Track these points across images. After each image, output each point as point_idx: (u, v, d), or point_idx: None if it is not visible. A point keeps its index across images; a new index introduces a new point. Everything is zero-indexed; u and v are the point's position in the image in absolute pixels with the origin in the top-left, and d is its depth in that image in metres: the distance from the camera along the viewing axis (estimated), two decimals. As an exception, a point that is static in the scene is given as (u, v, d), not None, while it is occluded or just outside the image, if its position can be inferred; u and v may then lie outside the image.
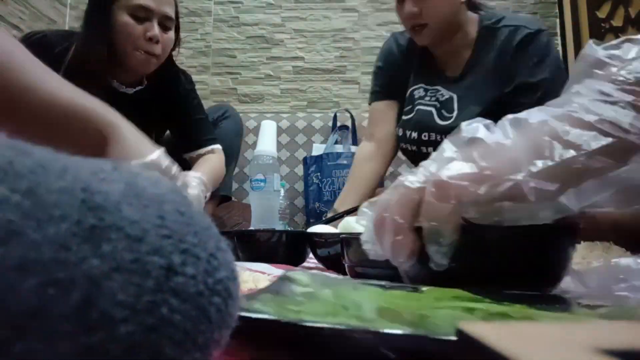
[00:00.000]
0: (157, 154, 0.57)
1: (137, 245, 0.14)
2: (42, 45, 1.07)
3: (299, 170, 2.06)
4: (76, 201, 0.14)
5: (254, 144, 1.86)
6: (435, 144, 1.17)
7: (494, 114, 1.17)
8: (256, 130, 1.97)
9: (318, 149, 2.01)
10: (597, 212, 0.88)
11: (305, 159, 1.99)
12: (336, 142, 1.97)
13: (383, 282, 0.35)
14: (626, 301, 0.35)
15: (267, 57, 2.46)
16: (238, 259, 0.71)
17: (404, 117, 1.23)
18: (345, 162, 1.84)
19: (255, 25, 2.48)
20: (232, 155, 1.54)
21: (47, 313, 0.12)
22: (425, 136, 1.18)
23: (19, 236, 0.12)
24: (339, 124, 2.07)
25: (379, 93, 1.32)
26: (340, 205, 1.21)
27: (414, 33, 1.13)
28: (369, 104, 1.37)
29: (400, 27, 1.24)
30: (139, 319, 0.13)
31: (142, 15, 1.08)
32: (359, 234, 0.50)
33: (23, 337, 0.12)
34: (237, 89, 2.46)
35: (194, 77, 2.46)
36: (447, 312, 0.26)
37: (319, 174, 1.87)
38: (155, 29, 1.09)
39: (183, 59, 2.47)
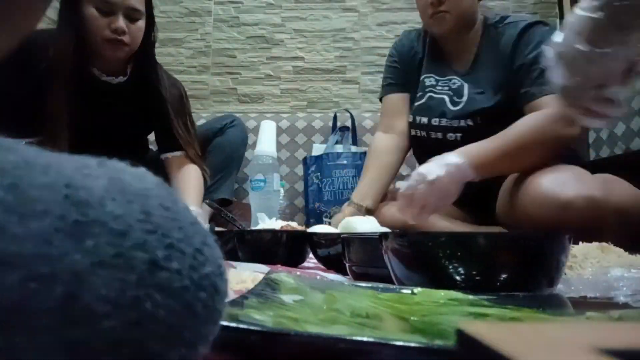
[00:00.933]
0: None
1: (121, 240, 0.14)
2: (28, 45, 1.13)
3: (299, 170, 2.06)
4: (59, 196, 0.14)
5: (254, 144, 1.86)
6: (444, 130, 1.21)
7: (500, 101, 1.15)
8: (256, 131, 1.97)
9: (318, 149, 2.01)
10: (603, 199, 0.87)
11: (305, 159, 1.98)
12: (336, 142, 1.97)
13: (374, 284, 0.35)
14: (627, 306, 0.35)
15: (267, 57, 2.46)
16: (238, 259, 0.71)
17: (416, 104, 1.27)
18: (345, 162, 1.84)
19: (255, 25, 2.48)
20: (235, 162, 1.58)
21: (29, 308, 0.12)
22: (435, 121, 1.22)
23: (0, 231, 0.12)
24: (339, 124, 2.07)
25: (393, 85, 1.35)
26: (361, 198, 1.23)
27: (433, 21, 1.19)
28: (382, 96, 1.40)
29: (398, 28, 1.26)
30: (122, 313, 0.13)
31: (106, 8, 1.14)
32: (361, 234, 0.50)
33: (5, 331, 0.12)
34: (237, 89, 2.46)
35: (194, 77, 2.47)
36: (457, 319, 0.25)
37: (319, 174, 1.87)
38: (120, 22, 1.15)
39: (183, 59, 2.47)
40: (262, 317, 0.24)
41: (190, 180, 1.30)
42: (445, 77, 1.25)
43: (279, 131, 2.08)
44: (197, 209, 1.20)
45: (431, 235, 0.39)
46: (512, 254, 0.37)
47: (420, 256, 0.39)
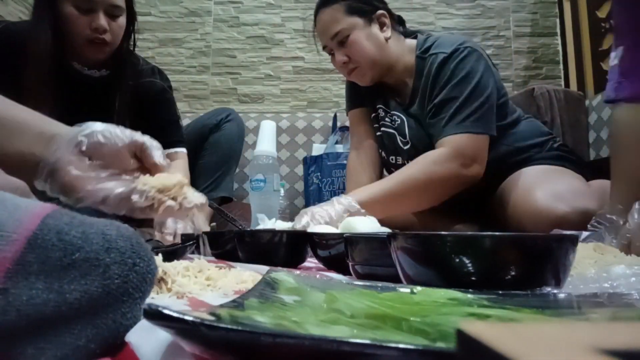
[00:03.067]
0: None
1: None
2: (3, 34, 1.12)
3: (299, 170, 2.06)
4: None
5: (254, 144, 1.86)
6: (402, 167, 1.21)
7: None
8: (256, 130, 1.97)
9: (318, 149, 2.01)
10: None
11: (305, 158, 1.99)
12: (336, 142, 1.97)
13: (373, 283, 0.35)
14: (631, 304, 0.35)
15: (267, 57, 2.46)
16: (238, 259, 0.71)
17: (377, 133, 1.29)
18: (345, 162, 1.84)
19: (255, 25, 2.48)
20: (233, 158, 1.55)
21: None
22: (392, 159, 1.25)
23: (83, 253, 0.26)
24: (339, 124, 2.07)
25: (353, 100, 1.37)
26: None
27: (352, 77, 1.22)
28: (346, 111, 1.42)
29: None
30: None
31: (86, 6, 1.07)
32: (363, 233, 0.50)
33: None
34: (237, 89, 2.46)
35: (194, 77, 2.48)
36: (458, 319, 0.25)
37: (319, 174, 1.87)
38: (101, 19, 1.09)
39: (183, 59, 2.47)
40: (263, 319, 0.24)
41: (176, 163, 1.27)
42: (390, 110, 1.25)
43: (279, 131, 2.08)
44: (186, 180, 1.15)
45: (444, 235, 0.39)
46: (525, 253, 0.38)
47: (433, 255, 0.39)
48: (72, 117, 1.12)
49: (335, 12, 1.15)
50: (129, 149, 0.56)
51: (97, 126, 0.55)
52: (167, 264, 0.43)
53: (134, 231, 0.28)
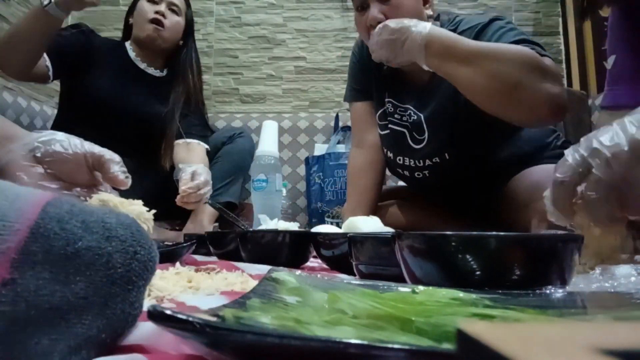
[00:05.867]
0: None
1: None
2: (89, 33, 1.51)
3: (301, 170, 2.06)
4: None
5: (256, 144, 1.87)
6: (411, 169, 1.12)
7: (463, 131, 1.05)
8: (258, 131, 1.97)
9: (320, 149, 2.01)
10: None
11: (307, 158, 1.99)
12: (338, 142, 1.97)
13: (374, 283, 0.35)
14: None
15: (269, 57, 2.47)
16: (241, 259, 0.71)
17: (380, 132, 1.20)
18: (347, 162, 1.84)
19: (257, 26, 2.49)
20: (243, 169, 1.64)
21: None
22: (400, 160, 1.16)
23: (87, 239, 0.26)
24: (340, 123, 2.07)
25: (357, 92, 1.26)
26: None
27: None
28: (347, 100, 1.32)
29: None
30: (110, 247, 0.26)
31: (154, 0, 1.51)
32: (368, 233, 0.50)
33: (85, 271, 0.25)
34: (239, 89, 2.46)
35: (196, 78, 2.48)
36: (463, 320, 0.25)
37: (321, 173, 1.87)
38: (162, 7, 1.49)
39: (185, 59, 2.47)
40: (267, 320, 0.24)
41: (195, 149, 1.50)
42: (402, 104, 1.14)
43: (281, 131, 2.09)
44: (203, 166, 1.27)
45: (450, 235, 0.39)
46: (532, 253, 0.38)
47: (439, 255, 0.39)
48: (137, 105, 1.47)
49: None
50: (87, 162, 0.57)
51: (58, 135, 0.56)
52: None
53: (133, 219, 0.28)
